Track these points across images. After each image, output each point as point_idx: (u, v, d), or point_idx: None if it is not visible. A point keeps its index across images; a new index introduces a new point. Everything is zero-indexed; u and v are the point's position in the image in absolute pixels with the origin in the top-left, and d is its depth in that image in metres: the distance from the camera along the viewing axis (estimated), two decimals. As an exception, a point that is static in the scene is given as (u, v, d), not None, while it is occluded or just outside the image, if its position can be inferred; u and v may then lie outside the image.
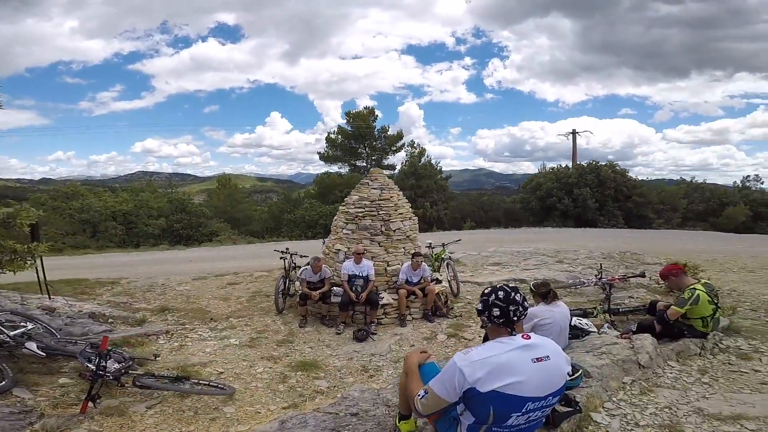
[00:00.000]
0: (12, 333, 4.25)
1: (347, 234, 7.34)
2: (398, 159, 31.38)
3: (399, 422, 2.75)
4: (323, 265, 6.69)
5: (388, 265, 7.19)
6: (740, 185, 30.69)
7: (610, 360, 3.91)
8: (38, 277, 6.02)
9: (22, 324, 4.56)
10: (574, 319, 4.99)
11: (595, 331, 5.07)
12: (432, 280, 7.10)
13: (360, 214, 7.34)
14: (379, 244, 7.26)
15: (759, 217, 25.11)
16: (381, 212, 7.37)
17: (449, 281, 7.93)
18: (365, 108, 31.54)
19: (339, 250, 7.26)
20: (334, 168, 31.28)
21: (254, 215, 30.56)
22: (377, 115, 30.90)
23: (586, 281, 8.07)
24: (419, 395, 2.11)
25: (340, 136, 30.73)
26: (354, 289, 6.51)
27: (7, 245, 3.31)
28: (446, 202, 27.86)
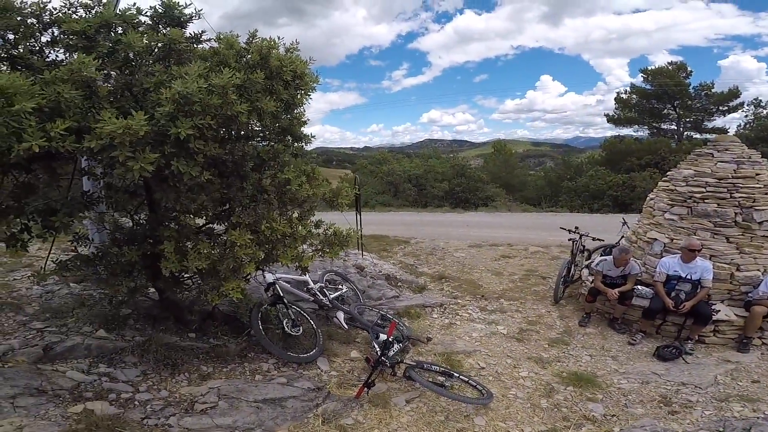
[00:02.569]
0: (332, 296, 5.01)
1: (671, 220, 5.32)
2: (729, 122, 24.58)
3: None
4: (631, 260, 5.08)
5: (737, 270, 4.81)
6: None
7: None
8: (357, 236, 7.18)
9: (340, 285, 5.42)
10: None
11: None
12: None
13: (697, 195, 5.13)
14: (727, 239, 4.93)
15: None
16: (737, 195, 4.94)
17: None
18: (670, 63, 25.56)
19: (655, 239, 5.37)
20: (626, 131, 27.14)
21: (529, 181, 29.51)
22: (690, 71, 24.66)
23: None
24: None
25: (635, 96, 26.35)
26: (674, 294, 4.65)
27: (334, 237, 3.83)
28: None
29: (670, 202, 5.41)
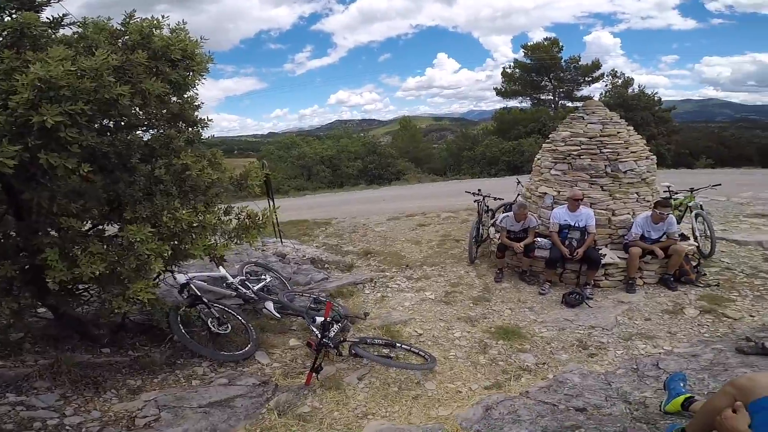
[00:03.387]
0: (256, 287, 4.84)
1: (556, 175, 6.10)
2: (593, 90, 28.03)
3: None
4: (529, 214, 5.76)
5: (613, 215, 5.74)
6: None
7: None
8: (273, 222, 7.01)
9: (263, 276, 5.24)
10: None
11: None
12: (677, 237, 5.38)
13: (574, 153, 5.95)
14: (601, 188, 5.81)
15: None
16: (605, 150, 5.82)
17: (699, 238, 5.96)
18: (545, 39, 28.75)
19: (545, 193, 6.14)
20: (512, 103, 29.85)
21: (434, 153, 31.19)
22: (561, 46, 27.89)
23: None
24: None
25: (517, 70, 29.05)
26: (567, 242, 5.42)
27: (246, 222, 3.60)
28: (668, 135, 24.18)
29: (553, 160, 6.19)
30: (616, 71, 27.34)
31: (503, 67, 31.05)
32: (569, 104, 27.72)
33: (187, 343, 3.70)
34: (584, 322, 4.61)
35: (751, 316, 4.35)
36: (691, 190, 6.45)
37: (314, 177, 23.45)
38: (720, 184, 6.59)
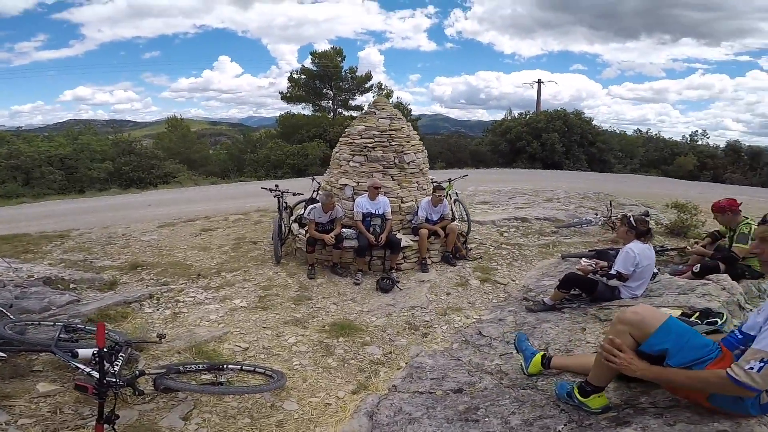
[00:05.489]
0: None
1: (355, 167, 6.21)
2: (365, 100, 30.76)
3: (583, 396, 2.06)
4: (336, 204, 5.60)
5: (402, 202, 6.23)
6: (688, 138, 33.05)
7: (718, 302, 3.34)
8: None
9: None
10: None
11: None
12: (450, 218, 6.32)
13: (369, 145, 6.19)
14: (392, 177, 6.23)
15: (704, 167, 27.43)
16: (393, 143, 6.28)
17: (458, 220, 7.22)
18: (332, 47, 30.42)
19: (346, 185, 6.15)
20: (296, 109, 30.15)
21: (211, 156, 28.39)
22: (344, 56, 29.68)
23: (592, 219, 7.72)
24: (755, 366, 1.52)
25: (303, 76, 29.55)
26: (372, 230, 5.54)
27: None
28: (416, 143, 28.49)
29: (351, 153, 6.31)
30: (382, 84, 31.31)
31: (290, 72, 30.94)
32: (345, 113, 30.03)
33: None
34: (403, 304, 4.76)
35: (513, 280, 5.45)
36: (449, 180, 7.77)
37: (36, 181, 17.29)
38: (468, 175, 8.27)
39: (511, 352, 2.91)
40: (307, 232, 5.64)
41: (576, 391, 2.09)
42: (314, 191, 7.26)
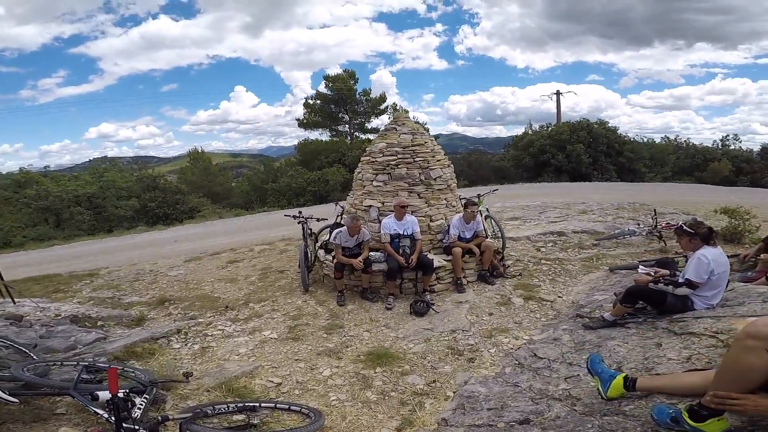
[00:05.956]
0: None
1: (378, 186, 6.01)
2: (381, 123, 30.54)
3: (697, 420, 1.72)
4: (362, 226, 5.38)
5: (431, 220, 5.96)
6: (720, 143, 31.98)
7: None
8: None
9: None
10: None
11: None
12: (485, 235, 5.99)
13: (392, 163, 6.00)
14: (418, 195, 5.99)
15: (740, 172, 26.51)
16: (417, 159, 6.05)
17: (493, 237, 6.87)
18: (345, 71, 30.42)
19: (370, 206, 5.94)
20: (314, 135, 30.31)
21: (233, 188, 28.90)
22: (357, 78, 29.67)
23: (636, 230, 7.27)
24: None
25: (319, 101, 29.64)
26: (401, 251, 5.27)
27: None
28: (437, 162, 28.28)
29: (374, 172, 6.13)
30: (397, 105, 31.08)
31: (305, 98, 30.75)
32: (362, 136, 29.99)
33: None
34: (443, 328, 4.42)
35: (559, 296, 5.05)
36: (478, 195, 7.47)
37: (66, 222, 17.83)
38: (498, 189, 7.91)
39: (578, 375, 2.56)
40: (334, 257, 5.41)
41: (686, 416, 1.75)
42: (338, 216, 7.08)
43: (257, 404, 2.86)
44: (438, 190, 6.17)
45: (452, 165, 6.65)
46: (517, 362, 3.16)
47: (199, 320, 4.84)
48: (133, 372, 3.08)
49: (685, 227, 3.45)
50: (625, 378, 2.15)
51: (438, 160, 6.30)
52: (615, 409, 2.09)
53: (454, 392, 3.07)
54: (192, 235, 12.09)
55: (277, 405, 2.90)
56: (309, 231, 6.58)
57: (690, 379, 1.86)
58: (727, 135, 33.92)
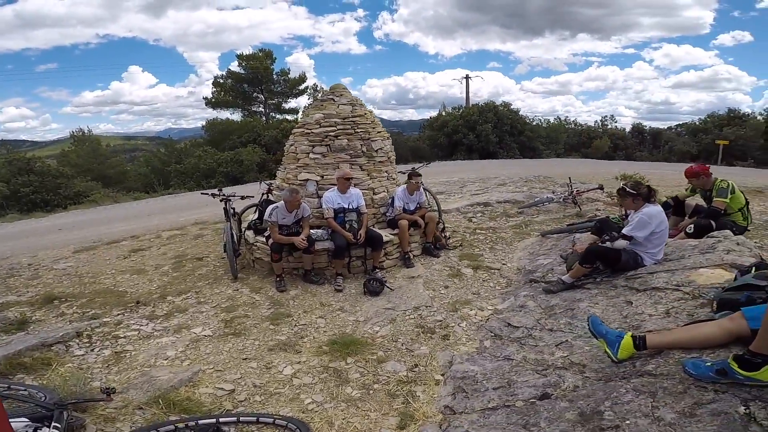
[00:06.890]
0: None
1: (316, 159, 5.48)
2: (300, 104, 29.55)
3: (749, 369, 1.62)
4: (302, 201, 4.82)
5: (374, 193, 5.62)
6: (600, 123, 36.61)
7: (750, 254, 3.19)
8: None
9: None
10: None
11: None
12: (427, 206, 5.84)
13: (331, 134, 5.49)
14: (361, 167, 5.59)
15: (617, 148, 30.71)
16: (358, 130, 5.63)
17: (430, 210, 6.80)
18: (260, 50, 28.57)
19: (307, 179, 5.40)
20: (224, 114, 28.32)
21: (129, 171, 25.45)
22: (275, 58, 28.13)
23: (554, 197, 7.83)
24: None
25: (230, 80, 27.77)
26: (348, 226, 4.86)
27: None
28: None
29: (310, 144, 5.56)
30: (317, 86, 29.84)
31: (215, 77, 28.74)
32: (279, 116, 28.57)
33: None
34: (404, 306, 4.12)
35: (503, 264, 5.09)
36: (413, 169, 7.31)
37: None
38: (430, 163, 8.01)
39: (567, 340, 2.47)
40: (268, 238, 4.80)
41: (735, 366, 1.66)
42: (264, 193, 6.38)
43: (213, 420, 2.28)
44: (379, 162, 5.84)
45: (390, 137, 6.35)
46: (493, 334, 3.01)
47: (104, 320, 3.93)
48: (26, 391, 2.29)
49: (627, 188, 3.59)
50: (633, 337, 2.08)
51: (378, 132, 5.94)
52: (637, 370, 1.99)
53: (442, 375, 2.81)
54: (81, 222, 10.33)
55: (241, 418, 2.35)
56: (232, 211, 5.81)
57: (706, 330, 1.82)
58: (605, 116, 39.09)
